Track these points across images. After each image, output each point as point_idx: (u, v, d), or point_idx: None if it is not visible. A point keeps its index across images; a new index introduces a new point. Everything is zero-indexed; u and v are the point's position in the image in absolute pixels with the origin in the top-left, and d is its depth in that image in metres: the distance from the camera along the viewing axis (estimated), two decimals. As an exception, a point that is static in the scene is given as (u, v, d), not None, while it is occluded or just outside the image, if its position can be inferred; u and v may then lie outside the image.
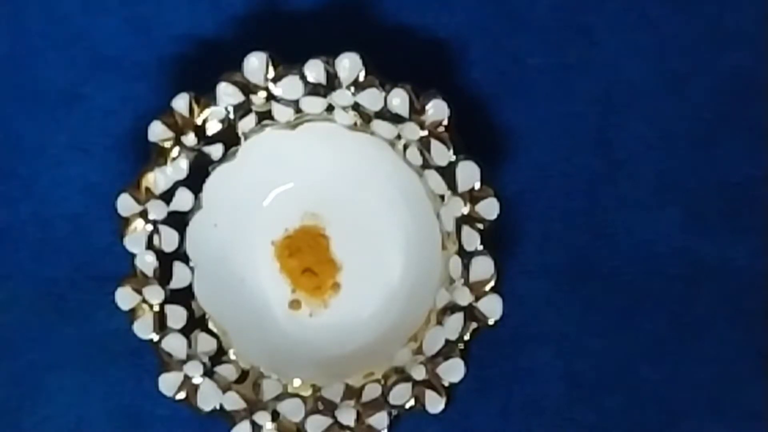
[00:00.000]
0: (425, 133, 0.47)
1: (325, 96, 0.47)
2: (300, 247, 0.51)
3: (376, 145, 0.48)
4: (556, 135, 0.50)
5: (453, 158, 0.46)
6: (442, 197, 0.47)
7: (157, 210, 0.48)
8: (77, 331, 0.51)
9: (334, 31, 0.51)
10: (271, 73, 0.47)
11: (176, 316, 0.48)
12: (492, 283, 0.46)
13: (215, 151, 0.48)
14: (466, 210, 0.46)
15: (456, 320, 0.47)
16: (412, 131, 0.47)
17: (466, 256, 0.46)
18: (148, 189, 0.48)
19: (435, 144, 0.46)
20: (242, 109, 0.48)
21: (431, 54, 0.51)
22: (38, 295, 0.51)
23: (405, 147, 0.48)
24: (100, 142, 0.51)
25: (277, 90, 0.47)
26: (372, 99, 0.47)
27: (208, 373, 0.48)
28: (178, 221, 0.49)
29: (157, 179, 0.48)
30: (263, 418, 0.48)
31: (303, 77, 0.47)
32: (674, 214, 0.50)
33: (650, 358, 0.50)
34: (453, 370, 0.47)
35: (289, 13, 0.51)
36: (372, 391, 0.48)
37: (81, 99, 0.51)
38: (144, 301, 0.48)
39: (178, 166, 0.48)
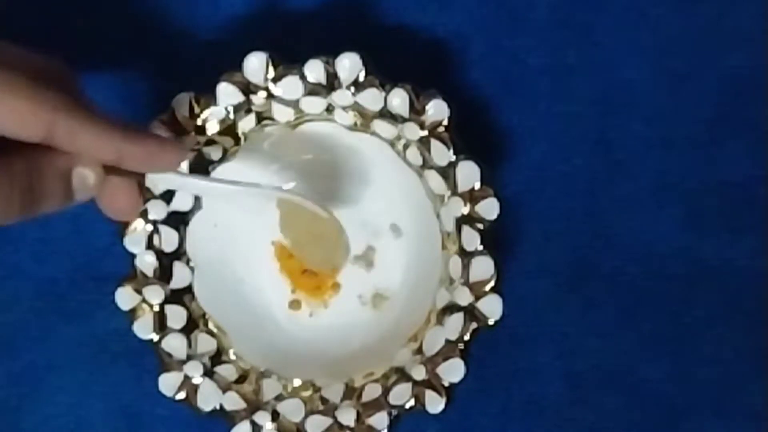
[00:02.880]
0: (425, 133, 0.47)
1: (325, 96, 0.47)
2: (300, 247, 0.51)
3: (376, 145, 0.48)
4: (556, 135, 0.50)
5: (453, 158, 0.46)
6: (442, 197, 0.47)
7: (157, 210, 0.48)
8: (77, 331, 0.51)
9: (334, 31, 0.51)
10: (271, 73, 0.47)
11: (176, 316, 0.48)
12: (492, 283, 0.46)
13: (215, 151, 0.48)
14: (466, 210, 0.46)
15: (456, 320, 0.47)
16: (412, 131, 0.47)
17: (466, 256, 0.46)
18: (148, 189, 0.48)
19: (435, 144, 0.46)
20: (242, 109, 0.48)
21: (431, 54, 0.51)
22: (38, 295, 0.51)
23: (405, 147, 0.48)
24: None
25: (277, 90, 0.47)
26: (372, 99, 0.47)
27: (208, 373, 0.48)
28: (178, 221, 0.49)
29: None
30: (263, 418, 0.48)
31: (303, 77, 0.47)
32: (674, 214, 0.50)
33: (650, 358, 0.50)
34: (453, 370, 0.47)
35: (289, 13, 0.51)
36: (372, 391, 0.48)
37: (81, 99, 0.51)
38: (144, 301, 0.48)
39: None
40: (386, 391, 0.47)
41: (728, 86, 0.50)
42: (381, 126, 0.47)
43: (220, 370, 0.48)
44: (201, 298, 0.49)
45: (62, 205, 0.40)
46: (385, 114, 0.47)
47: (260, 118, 0.48)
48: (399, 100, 0.46)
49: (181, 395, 0.48)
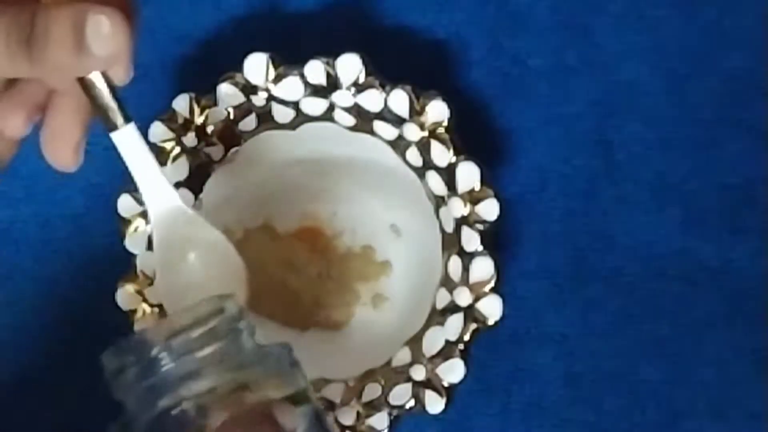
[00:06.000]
0: (425, 134, 0.47)
1: (325, 97, 0.47)
2: (300, 247, 0.51)
3: (376, 146, 0.48)
4: (556, 136, 0.50)
5: (453, 159, 0.46)
6: (443, 198, 0.47)
7: (158, 210, 0.48)
8: (77, 331, 0.51)
9: (334, 32, 0.51)
10: (272, 74, 0.47)
11: (176, 316, 0.48)
12: (492, 284, 0.46)
13: (215, 151, 0.48)
14: (466, 211, 0.46)
15: (456, 321, 0.47)
16: (413, 132, 0.47)
17: (466, 257, 0.47)
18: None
19: (435, 145, 0.46)
20: (243, 110, 0.48)
21: (431, 54, 0.51)
22: (38, 295, 0.51)
23: (405, 148, 0.48)
24: (100, 142, 0.51)
25: (277, 91, 0.47)
26: (372, 100, 0.47)
27: (208, 373, 0.48)
28: (179, 221, 0.49)
29: (158, 180, 0.48)
30: (263, 419, 0.48)
31: (303, 78, 0.47)
32: (674, 215, 0.50)
33: (650, 358, 0.50)
34: (453, 371, 0.47)
35: (290, 14, 0.51)
36: (372, 391, 0.48)
37: (81, 99, 0.51)
38: (144, 301, 0.48)
39: (179, 167, 0.48)
40: (386, 391, 0.47)
41: (728, 87, 0.50)
42: (381, 127, 0.47)
43: (221, 370, 0.48)
44: (201, 298, 0.49)
45: (73, 57, 0.37)
46: (386, 115, 0.47)
47: (260, 118, 0.48)
48: (399, 100, 0.47)
49: (182, 395, 0.48)
